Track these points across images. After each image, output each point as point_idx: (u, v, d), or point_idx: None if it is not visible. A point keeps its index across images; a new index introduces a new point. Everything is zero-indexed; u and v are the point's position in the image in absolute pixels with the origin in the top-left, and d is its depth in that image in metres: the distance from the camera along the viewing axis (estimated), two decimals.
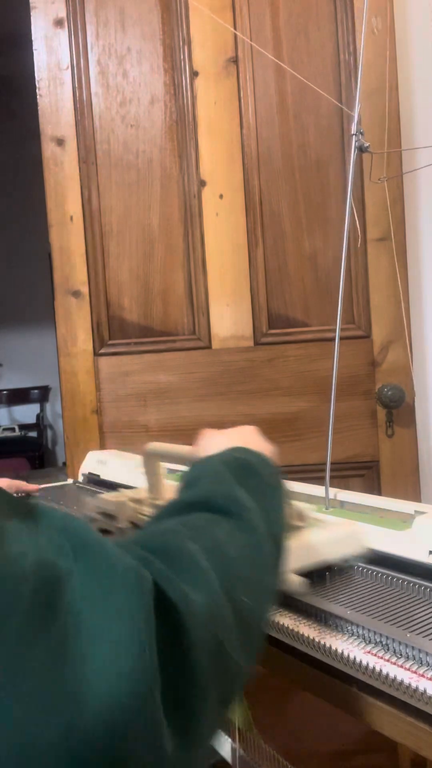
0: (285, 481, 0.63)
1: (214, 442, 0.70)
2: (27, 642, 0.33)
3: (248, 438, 0.71)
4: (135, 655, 0.36)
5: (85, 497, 1.22)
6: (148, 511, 0.89)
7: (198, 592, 0.43)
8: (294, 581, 0.65)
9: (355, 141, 0.88)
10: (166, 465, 1.01)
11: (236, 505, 0.54)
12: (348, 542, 0.75)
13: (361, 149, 0.87)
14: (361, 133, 0.89)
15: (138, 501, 0.92)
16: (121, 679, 0.35)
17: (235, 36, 1.65)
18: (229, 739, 0.70)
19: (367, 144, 0.87)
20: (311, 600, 0.65)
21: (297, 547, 0.67)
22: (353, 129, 0.89)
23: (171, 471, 1.11)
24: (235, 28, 1.64)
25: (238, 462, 0.61)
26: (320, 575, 0.71)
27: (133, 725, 0.35)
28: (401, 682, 0.51)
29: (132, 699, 0.35)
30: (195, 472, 0.61)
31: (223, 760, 0.74)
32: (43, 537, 0.39)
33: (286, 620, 0.62)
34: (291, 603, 0.66)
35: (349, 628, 0.59)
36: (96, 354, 1.69)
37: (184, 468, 0.64)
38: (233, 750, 0.68)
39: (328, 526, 0.77)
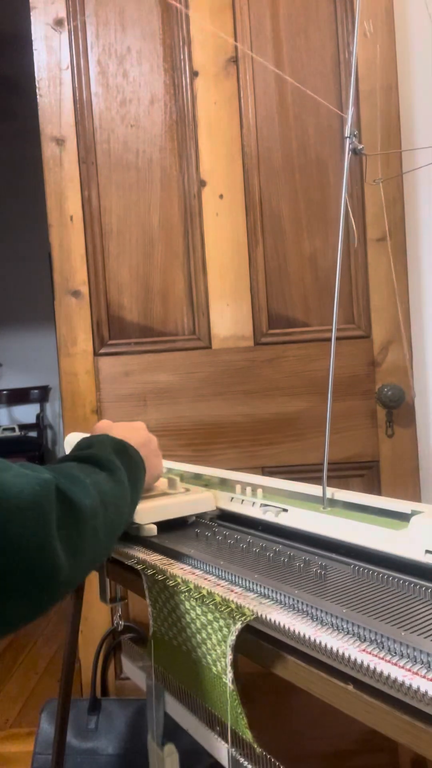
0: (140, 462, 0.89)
1: (106, 429, 0.95)
2: None
3: (135, 430, 0.97)
4: (42, 509, 0.60)
5: None
6: None
7: (86, 499, 0.68)
8: (147, 528, 0.91)
9: (349, 143, 0.88)
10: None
11: (112, 465, 0.80)
12: (199, 503, 0.99)
13: (354, 152, 0.87)
14: (356, 135, 0.89)
15: None
16: (25, 494, 0.59)
17: (235, 36, 1.65)
18: (224, 743, 0.70)
19: (361, 146, 0.88)
20: (305, 598, 0.65)
21: (160, 505, 0.95)
22: (346, 132, 0.89)
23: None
24: (234, 29, 1.64)
25: (119, 443, 0.87)
26: (180, 524, 0.96)
27: (38, 543, 0.58)
28: (396, 680, 0.51)
29: (38, 529, 0.59)
30: (88, 441, 0.87)
31: (217, 763, 0.74)
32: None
33: (283, 619, 0.63)
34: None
35: (345, 626, 0.59)
36: (96, 354, 1.69)
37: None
38: (228, 753, 0.68)
39: (188, 493, 1.01)
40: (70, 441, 1.12)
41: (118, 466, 0.81)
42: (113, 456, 0.82)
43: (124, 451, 0.86)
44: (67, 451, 1.09)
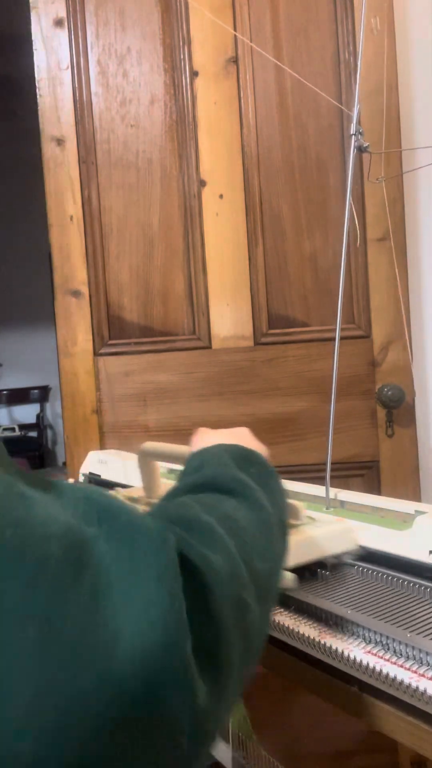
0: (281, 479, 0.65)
1: (209, 440, 0.70)
2: (59, 598, 0.34)
3: (241, 438, 0.75)
4: (164, 607, 0.37)
5: None
6: (144, 510, 0.86)
7: (216, 554, 0.45)
8: (286, 577, 0.66)
9: (354, 141, 0.88)
10: (164, 464, 1.00)
11: (241, 485, 0.57)
12: (340, 540, 0.76)
13: (360, 149, 0.87)
14: (361, 133, 0.89)
15: (134, 500, 0.92)
16: (152, 629, 0.36)
17: (235, 36, 1.65)
18: (228, 745, 0.70)
19: (366, 144, 0.87)
20: (311, 599, 0.65)
21: (298, 544, 0.70)
22: (352, 129, 0.89)
23: (171, 471, 1.11)
24: (234, 29, 1.64)
25: (239, 451, 0.64)
26: (312, 572, 0.72)
27: (165, 673, 0.36)
28: (401, 682, 0.51)
29: (163, 648, 0.36)
30: (197, 459, 0.63)
31: (216, 764, 0.74)
32: (68, 504, 0.41)
33: (286, 620, 0.63)
34: (290, 601, 0.67)
35: (350, 627, 0.59)
36: (96, 354, 1.69)
37: (181, 467, 0.66)
38: (232, 756, 0.68)
39: (322, 524, 0.78)
40: (147, 451, 0.94)
41: (251, 485, 0.58)
42: (239, 472, 0.60)
43: (252, 461, 0.64)
44: (141, 467, 0.94)
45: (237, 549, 0.48)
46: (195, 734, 0.39)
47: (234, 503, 0.54)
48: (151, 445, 0.93)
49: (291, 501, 0.78)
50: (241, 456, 0.63)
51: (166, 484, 0.91)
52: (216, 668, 0.41)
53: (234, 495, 0.56)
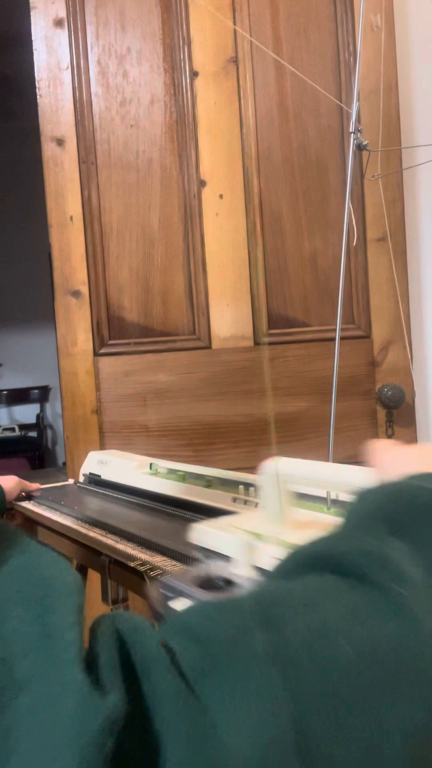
0: None
1: (394, 461, 0.48)
2: None
3: None
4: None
5: (86, 497, 1.22)
6: (273, 551, 0.65)
7: (239, 730, 0.26)
8: None
9: (354, 139, 0.88)
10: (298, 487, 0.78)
11: (382, 568, 0.34)
12: None
13: (359, 147, 0.87)
14: (360, 131, 0.89)
15: (257, 536, 0.69)
16: None
17: (235, 36, 1.65)
18: None
19: (365, 142, 0.87)
20: None
21: None
22: (351, 126, 0.89)
23: (302, 495, 0.86)
24: (235, 29, 1.64)
25: (421, 499, 0.39)
26: None
27: None
28: None
29: None
30: (349, 508, 0.43)
31: None
32: (11, 585, 0.31)
33: None
34: None
35: None
36: (96, 354, 1.69)
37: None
38: None
39: None
40: (282, 473, 0.72)
41: (402, 571, 0.34)
42: (393, 539, 0.36)
43: (420, 522, 0.38)
44: (269, 494, 0.72)
45: (295, 716, 0.27)
46: None
47: (355, 601, 0.33)
48: (285, 463, 0.70)
49: None
50: (421, 508, 0.38)
51: (303, 516, 0.73)
52: None
53: (363, 585, 0.33)
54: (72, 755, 0.25)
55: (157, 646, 0.29)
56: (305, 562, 0.37)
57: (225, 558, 0.70)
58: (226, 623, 0.31)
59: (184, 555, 0.83)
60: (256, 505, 0.81)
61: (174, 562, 0.82)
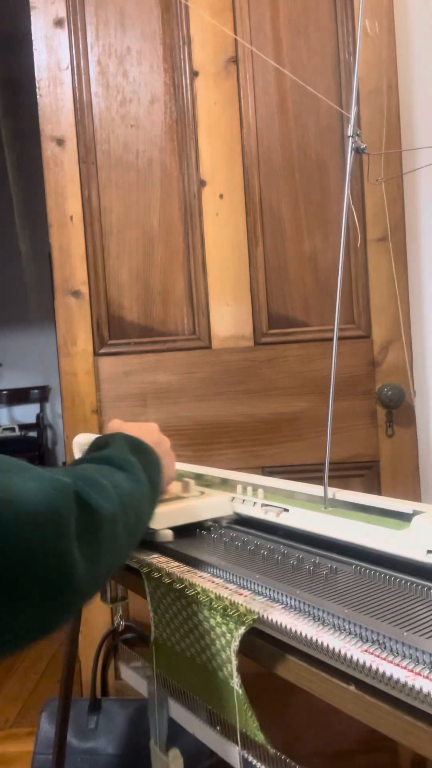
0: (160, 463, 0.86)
1: (120, 429, 0.92)
2: None
3: (149, 431, 0.93)
4: (57, 514, 0.56)
5: None
6: None
7: (106, 503, 0.64)
8: (164, 534, 0.89)
9: (352, 142, 0.88)
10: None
11: (129, 464, 0.77)
12: (216, 507, 0.97)
13: (357, 151, 0.87)
14: (358, 135, 0.89)
15: None
16: (41, 500, 0.55)
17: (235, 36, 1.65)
18: (234, 745, 0.70)
19: (363, 145, 0.87)
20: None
21: (176, 509, 0.93)
22: (350, 130, 0.89)
23: None
24: (235, 29, 1.64)
25: (136, 441, 0.85)
26: (192, 531, 0.92)
27: (54, 548, 0.54)
28: (398, 681, 0.51)
29: (54, 533, 0.54)
30: (103, 440, 0.84)
31: (217, 764, 0.74)
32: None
33: (285, 620, 0.63)
34: (168, 552, 0.88)
35: (347, 626, 0.59)
36: (96, 354, 1.69)
37: None
38: (239, 755, 0.68)
39: (204, 496, 0.98)
40: (79, 442, 1.10)
41: (137, 466, 0.78)
42: (130, 455, 0.79)
43: (142, 450, 0.83)
44: (76, 452, 1.08)
45: (118, 504, 0.67)
46: (66, 598, 0.56)
47: (122, 476, 0.73)
48: (83, 435, 1.09)
49: (186, 479, 1.02)
50: (135, 445, 0.84)
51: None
52: (92, 559, 0.59)
53: (123, 470, 0.75)
54: (49, 486, 0.58)
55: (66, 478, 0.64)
56: (94, 460, 0.76)
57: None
58: (87, 473, 0.69)
59: (183, 555, 0.83)
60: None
61: (171, 561, 0.83)
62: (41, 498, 0.55)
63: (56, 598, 0.55)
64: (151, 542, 0.90)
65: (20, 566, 0.51)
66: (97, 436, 0.92)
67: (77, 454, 1.07)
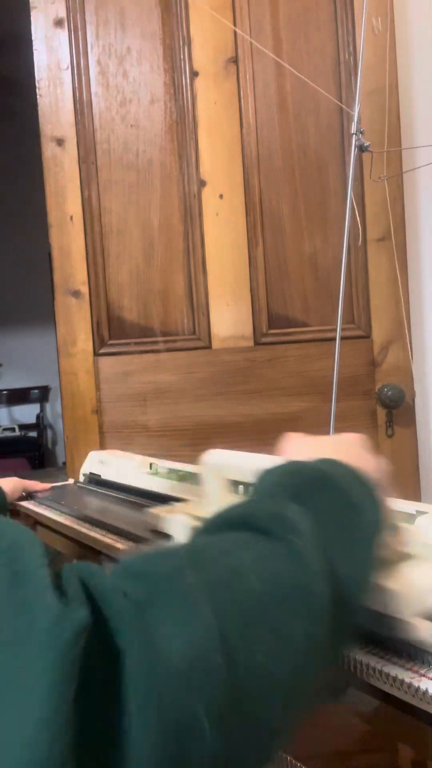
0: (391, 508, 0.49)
1: (298, 450, 0.57)
2: None
3: (346, 449, 0.56)
4: (34, 733, 0.29)
5: (87, 497, 1.22)
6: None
7: (176, 637, 0.33)
8: (422, 627, 0.50)
9: (355, 140, 0.88)
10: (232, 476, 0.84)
11: (281, 525, 0.43)
12: None
13: (361, 148, 0.87)
14: (362, 132, 0.89)
15: (198, 518, 0.77)
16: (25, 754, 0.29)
17: (235, 36, 1.65)
18: None
19: (367, 143, 0.87)
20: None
21: (422, 585, 0.53)
22: (353, 128, 0.89)
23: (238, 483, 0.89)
24: (235, 30, 1.64)
25: (312, 473, 0.49)
26: None
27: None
28: (402, 681, 0.51)
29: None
30: (258, 484, 0.52)
31: None
32: None
33: None
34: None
35: None
36: (96, 354, 1.69)
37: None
38: None
39: None
40: (213, 464, 0.82)
41: (296, 527, 0.44)
42: (290, 503, 0.46)
43: (324, 487, 0.49)
44: (209, 481, 0.81)
45: (221, 631, 0.35)
46: None
47: (261, 550, 0.42)
48: (218, 454, 0.79)
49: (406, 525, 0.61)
50: (313, 480, 0.48)
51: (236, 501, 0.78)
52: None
53: (267, 538, 0.42)
54: (49, 657, 0.30)
55: (110, 581, 0.36)
56: (224, 523, 0.46)
57: (169, 537, 0.80)
58: (164, 565, 0.38)
59: None
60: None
61: None
62: (18, 699, 0.30)
63: None
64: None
65: None
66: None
67: (211, 484, 0.81)
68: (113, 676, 0.32)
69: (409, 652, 0.52)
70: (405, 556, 0.57)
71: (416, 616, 0.51)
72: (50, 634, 0.31)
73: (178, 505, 0.90)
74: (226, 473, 0.81)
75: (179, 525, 0.78)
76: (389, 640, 0.53)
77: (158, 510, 0.86)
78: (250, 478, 0.66)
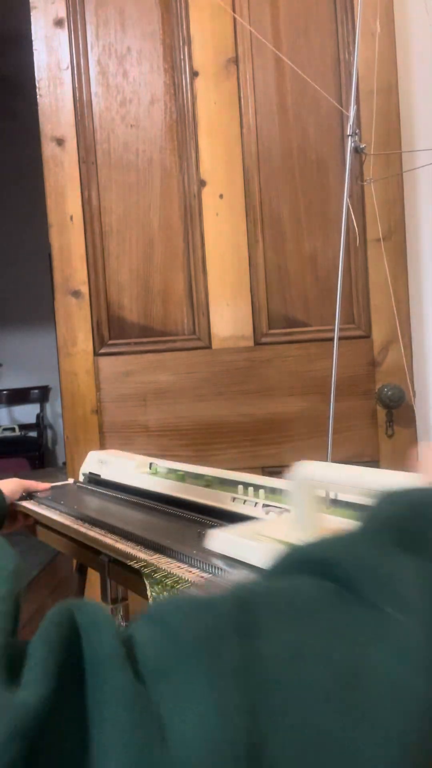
0: None
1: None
2: None
3: None
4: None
5: (87, 497, 1.22)
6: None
7: (189, 726, 0.25)
8: None
9: (351, 142, 0.88)
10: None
11: (381, 587, 0.31)
12: None
13: (356, 150, 0.88)
14: (357, 134, 0.89)
15: (287, 545, 0.60)
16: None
17: (235, 36, 1.65)
18: None
19: (362, 145, 0.88)
20: None
21: None
22: (349, 129, 0.89)
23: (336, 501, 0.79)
24: (235, 29, 1.64)
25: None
26: None
27: None
28: None
29: None
30: (367, 513, 0.40)
31: None
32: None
33: None
34: None
35: None
36: (96, 354, 1.69)
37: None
38: None
39: None
40: (309, 478, 0.69)
41: (402, 593, 0.31)
42: (402, 556, 0.33)
43: None
44: (301, 500, 0.68)
45: (249, 734, 0.25)
46: None
47: (342, 624, 0.30)
48: (314, 468, 0.66)
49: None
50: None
51: (334, 525, 0.66)
52: None
53: (360, 602, 0.31)
54: None
55: (114, 641, 0.28)
56: (299, 564, 0.35)
57: (251, 567, 0.66)
58: (200, 622, 0.29)
59: (184, 555, 0.83)
60: (281, 511, 0.77)
61: (172, 561, 0.83)
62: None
63: None
64: None
65: None
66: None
67: (298, 499, 0.70)
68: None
69: None
70: None
71: None
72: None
73: (254, 524, 0.77)
74: (324, 488, 0.67)
75: (264, 552, 0.62)
76: None
77: (226, 530, 0.74)
78: (360, 498, 0.54)
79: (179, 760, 0.24)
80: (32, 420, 5.67)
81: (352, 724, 0.26)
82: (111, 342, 1.70)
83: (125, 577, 0.91)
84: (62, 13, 1.67)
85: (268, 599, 0.31)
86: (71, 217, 1.68)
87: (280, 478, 1.04)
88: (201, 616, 0.29)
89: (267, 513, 0.92)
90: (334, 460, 0.99)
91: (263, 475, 1.34)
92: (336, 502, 0.74)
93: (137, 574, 0.85)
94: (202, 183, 1.67)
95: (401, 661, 0.28)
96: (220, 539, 0.74)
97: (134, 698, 0.25)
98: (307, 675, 0.27)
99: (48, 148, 1.68)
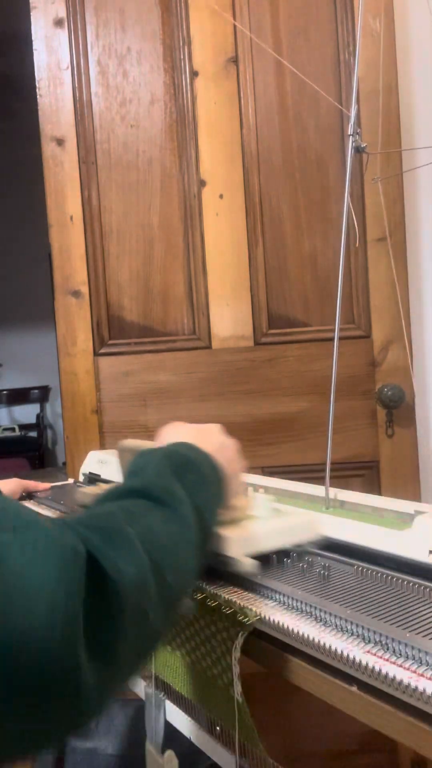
0: (224, 477, 0.71)
1: (173, 435, 0.77)
2: None
3: (207, 436, 0.78)
4: (59, 600, 0.42)
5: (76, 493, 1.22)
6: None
7: (129, 566, 0.50)
8: (246, 563, 0.72)
9: (352, 141, 0.88)
10: None
11: (171, 497, 0.61)
12: (300, 530, 0.80)
13: (357, 150, 0.87)
14: (359, 134, 0.89)
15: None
16: (36, 581, 0.42)
17: (235, 36, 1.65)
18: (231, 753, 0.69)
19: (364, 144, 0.87)
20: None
21: (251, 534, 0.75)
22: (350, 129, 0.89)
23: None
24: (235, 30, 1.64)
25: (181, 458, 0.68)
26: (278, 560, 0.77)
27: (52, 650, 0.41)
28: (401, 682, 0.51)
29: (50, 630, 0.41)
30: (141, 461, 0.67)
31: (214, 765, 0.73)
32: None
33: (286, 620, 0.63)
34: (252, 585, 0.72)
35: (349, 627, 0.59)
36: (96, 354, 1.69)
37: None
38: (237, 765, 0.68)
39: (283, 516, 0.83)
40: (125, 448, 0.93)
41: (179, 496, 0.61)
42: (174, 479, 0.63)
43: (190, 468, 0.67)
44: (120, 463, 0.95)
45: (150, 564, 0.52)
46: (80, 707, 0.44)
47: (160, 515, 0.59)
48: (129, 442, 0.94)
49: (255, 493, 0.84)
50: (182, 463, 0.67)
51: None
52: (107, 660, 0.46)
53: (163, 506, 0.60)
54: (52, 570, 0.43)
55: (82, 531, 0.50)
56: (126, 493, 0.62)
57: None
58: (109, 521, 0.54)
59: None
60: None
61: None
62: (37, 578, 0.42)
63: (52, 720, 0.44)
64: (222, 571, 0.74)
65: (5, 671, 0.40)
66: (143, 446, 0.78)
67: (122, 466, 0.90)
68: (101, 585, 0.47)
69: (240, 582, 0.72)
70: (246, 517, 0.79)
71: (244, 556, 0.72)
72: (71, 554, 0.45)
73: (102, 485, 1.06)
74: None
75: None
76: (227, 573, 0.73)
77: (86, 489, 0.96)
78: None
79: (133, 576, 0.50)
80: (32, 420, 5.67)
81: (178, 552, 0.58)
82: (111, 342, 1.70)
83: None
84: (62, 13, 1.67)
85: (130, 508, 0.58)
86: (71, 217, 1.68)
87: (280, 478, 1.04)
88: (108, 519, 0.55)
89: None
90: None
91: (263, 475, 1.34)
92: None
93: None
94: (202, 183, 1.67)
95: (188, 527, 0.61)
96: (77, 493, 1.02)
97: (103, 550, 0.50)
98: (157, 536, 0.56)
99: (48, 148, 1.68)
